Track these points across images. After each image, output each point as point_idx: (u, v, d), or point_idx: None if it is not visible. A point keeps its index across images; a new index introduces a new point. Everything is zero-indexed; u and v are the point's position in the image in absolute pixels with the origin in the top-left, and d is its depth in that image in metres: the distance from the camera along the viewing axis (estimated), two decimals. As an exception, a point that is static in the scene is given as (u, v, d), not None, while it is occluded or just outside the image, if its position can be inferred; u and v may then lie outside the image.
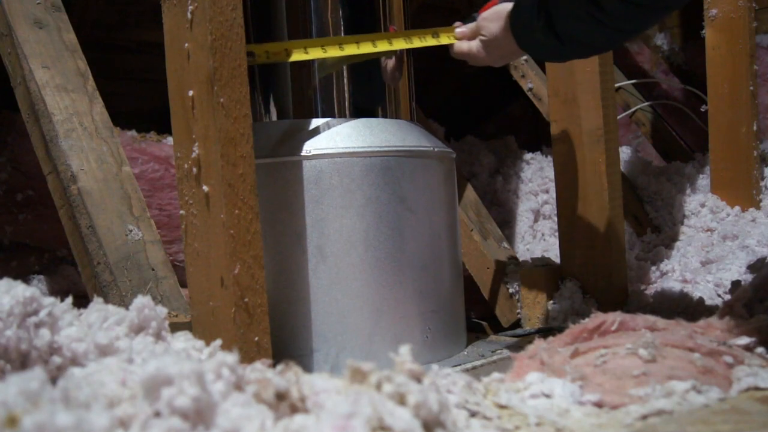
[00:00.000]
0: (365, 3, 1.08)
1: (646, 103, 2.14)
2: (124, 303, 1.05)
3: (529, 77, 1.85)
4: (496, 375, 0.71)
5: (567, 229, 1.37)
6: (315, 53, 1.00)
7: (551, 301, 1.33)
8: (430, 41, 1.10)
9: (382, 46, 1.04)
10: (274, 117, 1.05)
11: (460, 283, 1.14)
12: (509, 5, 1.05)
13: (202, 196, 0.83)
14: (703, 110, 1.81)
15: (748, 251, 1.43)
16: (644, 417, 0.61)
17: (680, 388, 0.65)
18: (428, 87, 2.58)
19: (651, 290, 1.43)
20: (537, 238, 1.93)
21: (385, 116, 1.09)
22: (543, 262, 1.42)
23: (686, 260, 1.51)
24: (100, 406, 0.42)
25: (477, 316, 1.50)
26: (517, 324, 1.40)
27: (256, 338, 0.82)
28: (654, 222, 1.77)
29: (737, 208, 1.70)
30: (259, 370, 0.52)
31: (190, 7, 0.82)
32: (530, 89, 1.84)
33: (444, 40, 1.11)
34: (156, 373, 0.43)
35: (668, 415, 0.61)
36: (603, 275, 1.32)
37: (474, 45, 1.10)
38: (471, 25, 1.11)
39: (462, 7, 2.19)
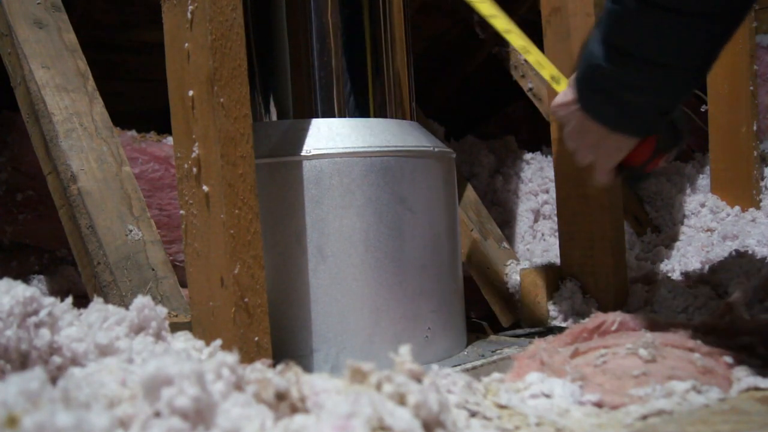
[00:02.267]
0: (365, 3, 1.08)
1: (646, 103, 2.14)
2: (124, 303, 1.05)
3: (529, 77, 1.85)
4: (496, 375, 0.71)
5: (567, 229, 1.37)
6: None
7: (551, 301, 1.33)
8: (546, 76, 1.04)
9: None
10: (274, 117, 1.05)
11: (460, 283, 1.14)
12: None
13: (202, 196, 0.83)
14: (703, 110, 1.81)
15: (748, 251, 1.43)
16: (644, 417, 0.61)
17: (680, 388, 0.65)
18: (428, 87, 2.58)
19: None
20: (537, 238, 1.93)
21: (385, 116, 1.09)
22: (543, 262, 1.43)
23: (686, 260, 1.51)
24: (100, 406, 0.42)
25: (477, 316, 1.50)
26: (517, 324, 1.40)
27: (256, 338, 0.82)
28: (654, 222, 1.77)
29: (737, 208, 1.70)
30: (259, 370, 0.52)
31: (190, 7, 0.82)
32: (530, 89, 1.84)
33: (561, 87, 1.00)
34: (156, 373, 0.43)
35: (668, 415, 0.61)
36: (603, 275, 1.32)
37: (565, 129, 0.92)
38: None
39: (462, 7, 2.18)
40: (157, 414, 0.43)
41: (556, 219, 1.50)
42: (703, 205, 1.73)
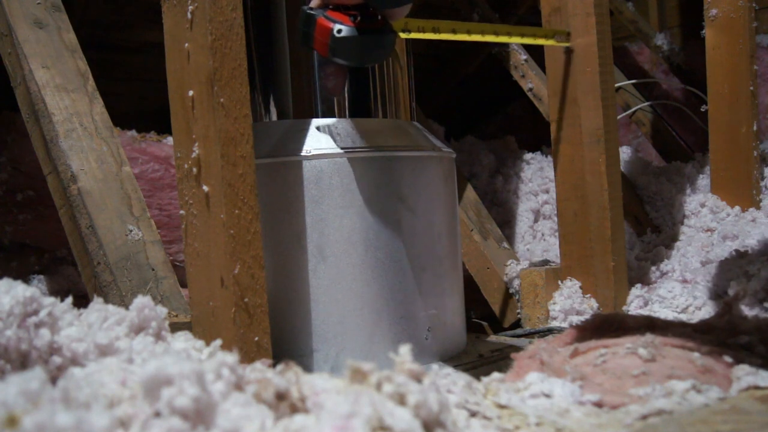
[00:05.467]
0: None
1: (646, 103, 2.14)
2: (124, 303, 1.05)
3: (529, 77, 1.85)
4: (496, 375, 0.71)
5: (567, 229, 1.37)
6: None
7: (551, 301, 1.33)
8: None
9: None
10: (274, 117, 1.05)
11: (460, 283, 1.14)
12: None
13: (202, 196, 0.83)
14: (703, 110, 1.81)
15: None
16: (644, 417, 0.61)
17: (680, 387, 0.65)
18: (428, 87, 2.59)
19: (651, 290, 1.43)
20: (537, 238, 1.93)
21: (385, 116, 1.09)
22: (543, 262, 1.43)
23: (686, 260, 1.51)
24: (100, 406, 0.42)
25: (477, 316, 1.50)
26: (517, 324, 1.40)
27: (256, 338, 0.82)
28: (654, 222, 1.77)
29: (737, 208, 1.70)
30: (259, 370, 0.52)
31: (190, 7, 0.82)
32: (530, 89, 1.84)
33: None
34: (156, 373, 0.43)
35: (668, 415, 0.61)
36: (603, 275, 1.32)
37: None
38: None
39: (462, 6, 2.19)
40: (157, 414, 0.43)
41: (556, 219, 1.50)
42: (703, 205, 1.72)
